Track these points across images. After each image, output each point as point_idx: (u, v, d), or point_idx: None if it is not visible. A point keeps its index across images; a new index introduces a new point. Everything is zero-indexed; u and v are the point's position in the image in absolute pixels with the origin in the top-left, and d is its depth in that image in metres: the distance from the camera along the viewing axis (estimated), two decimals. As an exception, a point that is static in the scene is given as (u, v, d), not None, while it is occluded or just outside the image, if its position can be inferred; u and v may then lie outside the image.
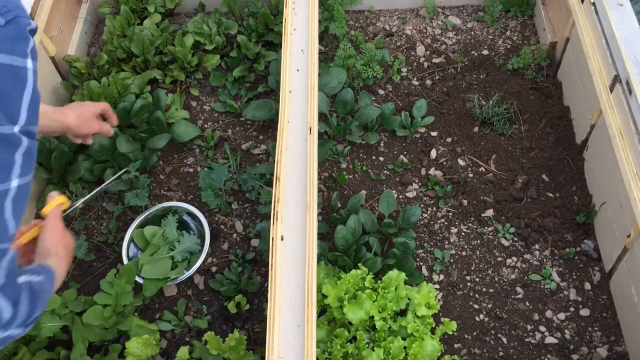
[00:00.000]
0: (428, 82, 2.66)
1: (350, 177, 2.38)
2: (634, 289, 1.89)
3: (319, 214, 2.15)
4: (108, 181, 2.15)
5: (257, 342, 2.00)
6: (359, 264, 1.99)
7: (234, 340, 1.84)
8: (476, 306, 2.07)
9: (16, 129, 0.89)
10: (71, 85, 2.52)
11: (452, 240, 2.22)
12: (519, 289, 2.10)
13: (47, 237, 1.35)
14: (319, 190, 2.30)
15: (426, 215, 2.28)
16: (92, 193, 2.03)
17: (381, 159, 2.43)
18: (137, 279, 2.02)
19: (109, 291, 1.92)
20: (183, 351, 1.86)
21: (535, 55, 2.64)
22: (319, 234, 2.11)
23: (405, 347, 1.86)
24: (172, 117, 2.46)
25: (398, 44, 2.80)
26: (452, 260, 2.17)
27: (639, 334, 1.88)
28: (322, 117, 2.43)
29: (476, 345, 2.00)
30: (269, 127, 2.52)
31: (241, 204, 2.32)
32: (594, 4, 2.12)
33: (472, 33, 2.82)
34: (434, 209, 2.30)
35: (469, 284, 2.12)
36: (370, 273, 1.97)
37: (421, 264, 2.17)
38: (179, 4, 2.83)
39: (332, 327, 1.92)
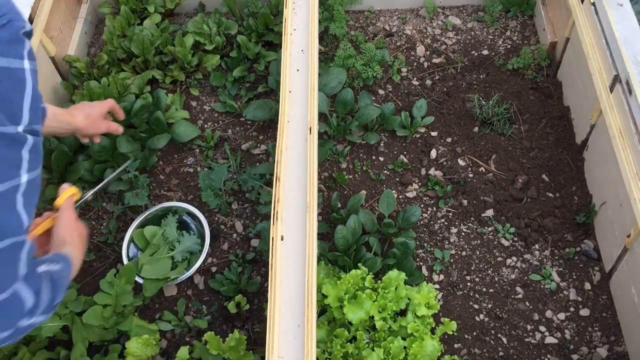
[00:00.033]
0: (428, 82, 2.66)
1: (350, 177, 2.38)
2: (634, 289, 1.89)
3: (319, 214, 2.15)
4: (119, 169, 2.15)
5: (257, 342, 2.00)
6: (359, 264, 1.99)
7: (234, 340, 1.84)
8: (476, 306, 2.07)
9: (20, 128, 0.91)
10: (71, 85, 2.52)
11: (452, 240, 2.22)
12: (519, 289, 2.10)
13: (62, 227, 1.41)
14: (319, 190, 2.30)
15: (426, 215, 2.28)
16: (101, 184, 2.04)
17: (381, 159, 2.43)
18: (137, 279, 2.02)
19: (108, 291, 1.92)
20: (183, 351, 1.86)
21: (535, 55, 2.64)
22: (319, 234, 2.11)
23: (405, 347, 1.86)
24: (172, 117, 2.46)
25: (398, 44, 2.80)
26: (452, 260, 2.17)
27: (639, 334, 1.88)
28: (322, 117, 2.43)
29: (476, 345, 2.00)
30: (269, 127, 2.52)
31: (241, 204, 2.32)
32: (594, 4, 2.12)
33: (472, 33, 2.82)
34: (434, 209, 2.30)
35: (469, 284, 2.12)
36: (370, 273, 1.97)
37: (421, 264, 2.17)
38: (179, 4, 2.83)
39: (332, 327, 1.92)
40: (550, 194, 2.28)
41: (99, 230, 2.26)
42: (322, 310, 1.98)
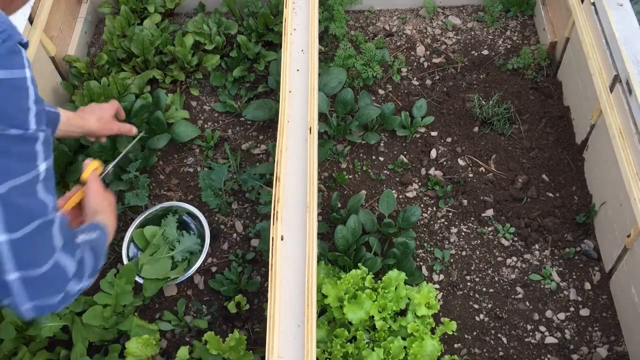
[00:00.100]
0: (428, 82, 2.66)
1: (350, 177, 2.38)
2: (634, 289, 1.89)
3: (319, 214, 2.15)
4: (133, 142, 2.15)
5: (257, 342, 2.00)
6: (359, 264, 1.99)
7: (234, 340, 1.84)
8: (476, 306, 2.07)
9: (30, 132, 1.01)
10: (71, 85, 2.52)
11: (452, 240, 2.22)
12: (519, 289, 2.10)
13: (92, 198, 1.54)
14: (319, 190, 2.30)
15: (426, 215, 2.28)
16: (119, 157, 2.04)
17: (381, 159, 2.43)
18: (137, 279, 2.02)
19: (108, 291, 1.92)
20: (183, 351, 1.86)
21: (535, 55, 2.64)
22: (319, 234, 2.11)
23: (405, 347, 1.86)
24: (172, 117, 2.46)
25: (398, 44, 2.80)
26: (452, 260, 2.17)
27: (639, 334, 1.88)
28: (322, 117, 2.43)
29: (476, 345, 2.00)
30: (269, 127, 2.52)
31: (241, 204, 2.32)
32: (594, 4, 2.12)
33: (472, 33, 2.82)
34: (434, 209, 2.30)
35: (469, 283, 2.12)
36: (370, 273, 1.97)
37: (421, 264, 2.17)
38: (179, 4, 2.83)
39: (332, 327, 1.92)
40: (550, 194, 2.29)
41: (99, 230, 2.26)
42: (322, 310, 1.98)
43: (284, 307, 1.43)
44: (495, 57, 2.70)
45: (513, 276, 2.13)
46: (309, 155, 1.67)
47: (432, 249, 2.19)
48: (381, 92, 2.63)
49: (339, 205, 2.27)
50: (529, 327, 2.03)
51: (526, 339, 2.01)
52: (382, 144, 2.46)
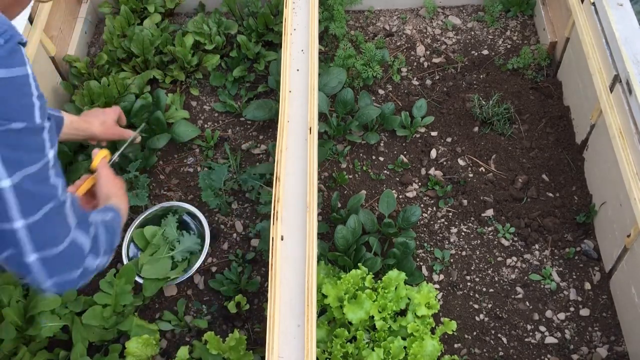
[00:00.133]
0: (428, 82, 2.66)
1: (350, 177, 2.38)
2: (634, 289, 1.89)
3: (319, 214, 2.15)
4: (136, 132, 2.15)
5: (257, 342, 2.00)
6: (359, 264, 1.99)
7: (234, 340, 1.84)
8: (476, 306, 2.07)
9: (37, 125, 1.07)
10: (71, 85, 2.52)
11: (452, 240, 2.22)
12: (519, 289, 2.10)
13: (104, 184, 1.62)
14: (319, 190, 2.30)
15: (426, 215, 2.28)
16: (124, 145, 2.07)
17: (381, 159, 2.43)
18: (137, 279, 2.02)
19: (108, 291, 1.92)
20: (183, 351, 1.86)
21: (535, 55, 2.64)
22: (319, 234, 2.11)
23: (405, 347, 1.86)
24: (172, 117, 2.46)
25: (398, 44, 2.80)
26: (452, 260, 2.17)
27: (639, 334, 1.88)
28: (322, 117, 2.43)
29: (476, 345, 2.00)
30: (269, 127, 2.52)
31: (241, 204, 2.32)
32: (594, 4, 2.12)
33: (472, 33, 2.82)
34: (434, 209, 2.30)
35: (469, 283, 2.12)
36: (370, 273, 1.97)
37: (421, 264, 2.17)
38: (179, 4, 2.83)
39: (332, 327, 1.92)
40: (550, 194, 2.29)
41: (99, 230, 2.26)
42: (322, 310, 1.98)
43: (284, 307, 1.43)
44: (495, 57, 2.70)
45: (513, 276, 2.13)
46: (309, 155, 1.67)
47: (432, 249, 2.19)
48: (381, 92, 2.63)
49: (339, 205, 2.27)
50: (529, 327, 2.03)
51: (526, 339, 2.01)
52: (382, 144, 2.46)
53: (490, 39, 2.79)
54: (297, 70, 1.87)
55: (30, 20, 2.30)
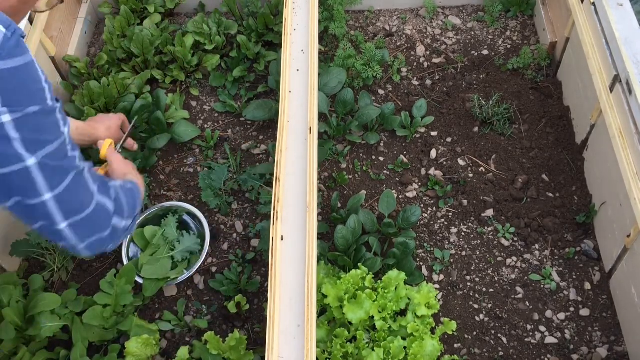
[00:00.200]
0: (428, 82, 2.66)
1: (350, 177, 2.38)
2: (634, 289, 1.89)
3: (319, 214, 2.15)
4: (131, 125, 2.15)
5: (257, 342, 2.00)
6: (359, 264, 1.99)
7: (234, 340, 1.84)
8: (476, 306, 2.07)
9: (49, 106, 1.15)
10: (71, 85, 2.52)
11: (452, 240, 2.22)
12: (519, 289, 2.10)
13: (117, 166, 1.72)
14: (319, 190, 2.30)
15: (426, 215, 2.28)
16: (125, 135, 2.07)
17: (381, 159, 2.43)
18: (137, 279, 2.02)
19: (108, 291, 1.92)
20: (183, 351, 1.86)
21: (535, 55, 2.64)
22: (319, 234, 2.11)
23: (405, 347, 1.86)
24: (172, 117, 2.46)
25: (398, 44, 2.80)
26: (452, 260, 2.17)
27: (639, 334, 1.88)
28: (322, 117, 2.43)
29: (476, 345, 2.00)
30: (269, 127, 2.52)
31: (241, 204, 2.32)
32: (594, 4, 2.12)
33: (472, 33, 2.82)
34: (434, 209, 2.30)
35: (469, 284, 2.12)
36: (370, 273, 1.97)
37: (421, 264, 2.17)
38: (179, 4, 2.83)
39: (332, 327, 1.92)
40: (550, 194, 2.29)
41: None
42: (322, 310, 1.98)
43: (284, 307, 1.43)
44: (495, 57, 2.70)
45: (513, 276, 2.13)
46: (309, 155, 1.67)
47: (432, 249, 2.19)
48: (381, 92, 2.63)
49: (339, 205, 2.27)
50: (529, 327, 2.03)
51: (526, 339, 2.01)
52: (382, 144, 2.46)
53: (490, 39, 2.79)
54: (297, 70, 1.87)
55: (30, 20, 2.30)
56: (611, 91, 2.00)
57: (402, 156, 2.42)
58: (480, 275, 2.14)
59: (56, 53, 2.48)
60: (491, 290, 2.11)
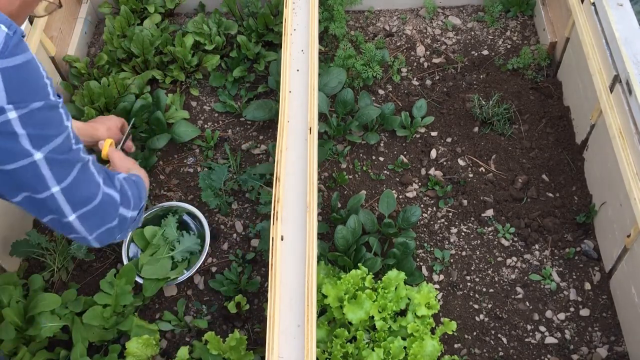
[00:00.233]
0: (428, 82, 2.66)
1: (350, 177, 2.38)
2: (634, 289, 1.89)
3: (319, 214, 2.15)
4: (129, 126, 2.16)
5: (257, 342, 2.00)
6: (359, 264, 1.99)
7: (235, 340, 1.84)
8: (476, 306, 2.07)
9: (52, 101, 1.18)
10: (71, 85, 2.52)
11: (452, 240, 2.22)
12: (519, 289, 2.10)
13: (119, 163, 1.75)
14: (319, 190, 2.30)
15: (426, 215, 2.28)
16: (125, 135, 2.07)
17: (381, 159, 2.43)
18: (137, 279, 2.02)
19: (109, 291, 1.92)
20: (183, 351, 1.86)
21: (535, 55, 2.64)
22: (319, 234, 2.11)
23: (405, 347, 1.86)
24: (172, 117, 2.46)
25: (398, 44, 2.80)
26: (452, 260, 2.17)
27: (639, 334, 1.88)
28: (322, 117, 2.43)
29: (476, 345, 2.00)
30: (269, 127, 2.52)
31: (241, 204, 2.32)
32: (594, 4, 2.12)
33: (472, 33, 2.82)
34: (434, 209, 2.30)
35: (469, 284, 2.12)
36: (370, 273, 1.97)
37: (421, 264, 2.17)
38: (179, 4, 2.83)
39: (332, 327, 1.92)
40: (550, 194, 2.29)
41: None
42: (322, 310, 1.98)
43: (284, 307, 1.43)
44: (495, 57, 2.70)
45: (513, 276, 2.13)
46: (309, 155, 1.67)
47: (432, 249, 2.19)
48: (381, 92, 2.63)
49: (339, 205, 2.27)
50: (529, 327, 2.03)
51: (526, 339, 2.01)
52: (382, 144, 2.46)
53: (490, 39, 2.80)
54: (297, 70, 1.87)
55: (30, 20, 2.30)
56: (611, 91, 2.00)
57: (402, 156, 2.42)
58: (480, 275, 2.14)
59: (56, 53, 2.48)
60: (491, 290, 2.11)
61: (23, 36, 1.14)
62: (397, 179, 2.37)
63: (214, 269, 2.17)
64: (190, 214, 2.21)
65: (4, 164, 1.13)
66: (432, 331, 1.97)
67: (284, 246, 1.52)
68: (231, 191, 2.33)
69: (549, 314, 2.05)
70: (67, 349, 1.89)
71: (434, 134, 2.49)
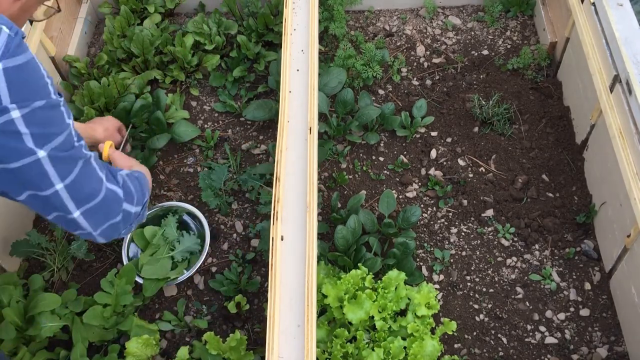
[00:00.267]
0: (428, 82, 2.66)
1: (350, 177, 2.38)
2: (634, 289, 1.89)
3: (319, 214, 2.15)
4: (128, 130, 2.19)
5: (257, 342, 2.00)
6: (359, 264, 1.99)
7: (235, 340, 1.84)
8: (476, 306, 2.07)
9: (53, 100, 1.20)
10: (71, 85, 2.52)
11: (452, 240, 2.22)
12: (519, 289, 2.10)
13: (121, 162, 1.78)
14: (319, 190, 2.30)
15: (426, 215, 2.28)
16: (124, 140, 2.11)
17: (381, 159, 2.43)
18: (137, 279, 2.02)
19: (109, 291, 1.92)
20: (183, 351, 1.86)
21: (535, 55, 2.64)
22: (319, 234, 2.11)
23: (405, 347, 1.86)
24: (172, 117, 2.46)
25: (398, 44, 2.80)
26: (452, 260, 2.17)
27: (639, 334, 1.89)
28: (322, 117, 2.43)
29: (476, 345, 2.00)
30: (269, 127, 2.52)
31: (241, 204, 2.32)
32: (594, 4, 2.12)
33: (472, 33, 2.82)
34: (434, 209, 2.30)
35: (469, 284, 2.12)
36: (370, 273, 1.97)
37: (421, 264, 2.17)
38: (179, 4, 2.83)
39: (332, 327, 1.92)
40: (550, 194, 2.29)
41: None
42: (322, 310, 1.98)
43: (284, 307, 1.43)
44: (495, 57, 2.70)
45: (513, 276, 2.13)
46: (309, 155, 1.67)
47: (432, 249, 2.19)
48: (381, 92, 2.63)
49: (339, 205, 2.27)
50: (529, 327, 2.03)
51: (526, 339, 2.01)
52: (382, 144, 2.46)
53: (490, 39, 2.79)
54: (297, 70, 1.87)
55: (30, 21, 2.30)
56: (611, 91, 2.00)
57: (402, 156, 2.42)
58: (480, 275, 2.14)
59: (56, 53, 2.48)
60: (491, 290, 2.11)
61: (23, 37, 1.16)
62: (397, 179, 2.37)
63: (214, 269, 2.17)
64: (190, 214, 2.21)
65: (9, 162, 1.14)
66: (432, 331, 1.97)
67: (284, 246, 1.52)
68: (231, 191, 2.33)
69: (549, 314, 2.05)
70: (67, 349, 1.89)
71: (434, 134, 2.49)
